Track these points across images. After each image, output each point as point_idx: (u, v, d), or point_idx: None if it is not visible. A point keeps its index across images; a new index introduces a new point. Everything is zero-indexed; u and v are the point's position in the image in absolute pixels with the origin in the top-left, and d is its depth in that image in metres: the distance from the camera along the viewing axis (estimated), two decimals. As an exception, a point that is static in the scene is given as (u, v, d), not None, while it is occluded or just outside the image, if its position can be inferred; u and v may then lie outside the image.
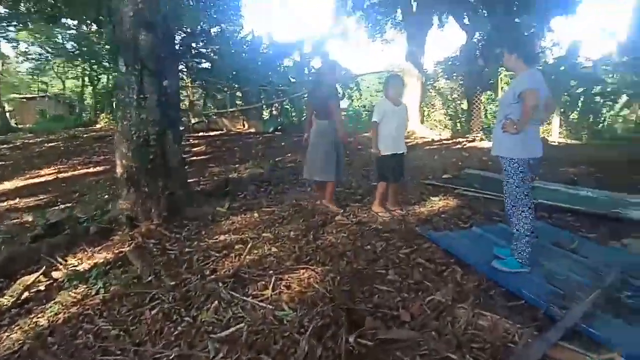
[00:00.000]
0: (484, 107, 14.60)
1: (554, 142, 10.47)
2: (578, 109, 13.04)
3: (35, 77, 30.52)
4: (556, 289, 2.57)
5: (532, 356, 1.97)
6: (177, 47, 14.36)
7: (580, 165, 6.63)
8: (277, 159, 8.56)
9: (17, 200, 5.99)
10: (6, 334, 2.61)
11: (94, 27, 16.59)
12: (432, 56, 39.82)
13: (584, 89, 12.86)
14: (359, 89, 19.15)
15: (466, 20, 14.84)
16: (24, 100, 28.19)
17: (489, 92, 14.79)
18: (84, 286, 3.18)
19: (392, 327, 2.31)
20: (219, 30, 18.75)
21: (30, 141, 13.95)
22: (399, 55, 15.34)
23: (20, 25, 17.70)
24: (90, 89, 25.39)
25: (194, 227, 4.18)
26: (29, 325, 2.68)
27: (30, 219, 4.82)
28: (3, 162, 9.85)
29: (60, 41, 22.79)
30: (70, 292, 3.04)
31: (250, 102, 18.70)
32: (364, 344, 2.15)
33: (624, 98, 12.88)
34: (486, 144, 9.84)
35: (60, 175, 7.99)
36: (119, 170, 4.49)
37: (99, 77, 24.34)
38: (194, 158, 9.39)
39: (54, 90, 31.26)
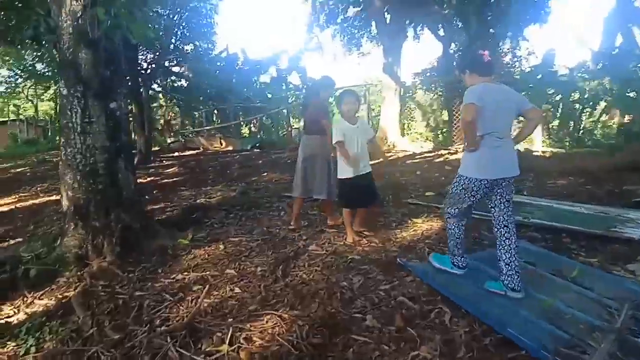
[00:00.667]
0: (464, 118, 14.39)
1: (537, 151, 10.26)
2: (558, 116, 12.99)
3: (6, 100, 29.61)
4: (561, 333, 2.19)
5: None
6: (147, 65, 13.95)
7: (569, 176, 6.36)
8: (252, 179, 8.15)
9: (-39, 236, 5.43)
10: None
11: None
12: (410, 68, 40.03)
13: (562, 96, 12.82)
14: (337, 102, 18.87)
15: (441, 32, 14.77)
16: (-5, 125, 27.23)
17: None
18: (13, 344, 2.69)
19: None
20: (192, 48, 18.35)
21: (-5, 167, 13.27)
22: (377, 68, 15.19)
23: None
24: (62, 111, 24.56)
25: (150, 265, 3.71)
26: None
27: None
28: (-42, 193, 9.19)
29: (30, 62, 22.09)
30: (-9, 354, 2.55)
31: (227, 119, 18.31)
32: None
33: (602, 104, 12.89)
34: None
35: (19, 205, 7.40)
36: (64, 203, 4.01)
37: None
38: (166, 181, 8.91)
39: (27, 113, 30.34)
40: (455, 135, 12.66)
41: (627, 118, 11.63)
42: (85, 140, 3.95)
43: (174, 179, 9.00)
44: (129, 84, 12.73)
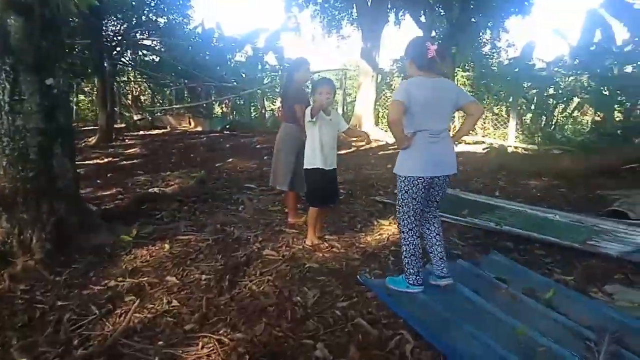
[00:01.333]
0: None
1: (511, 146, 10.12)
2: (532, 110, 12.91)
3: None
4: (536, 374, 1.92)
5: None
6: (113, 36, 13.12)
7: (542, 177, 6.17)
8: (216, 165, 7.70)
9: None
10: None
11: None
12: (390, 54, 39.58)
13: (537, 90, 12.74)
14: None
15: (423, 18, 14.41)
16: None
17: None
18: None
19: None
20: (166, 21, 17.46)
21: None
22: (356, 52, 14.72)
23: None
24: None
25: (82, 266, 3.29)
26: None
27: None
28: None
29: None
30: None
31: (199, 98, 17.60)
32: None
33: (576, 100, 12.87)
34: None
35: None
36: (-13, 192, 3.51)
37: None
38: (124, 162, 8.35)
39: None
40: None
41: (598, 116, 11.61)
42: (14, 120, 3.44)
43: (134, 161, 8.45)
44: (92, 56, 11.99)
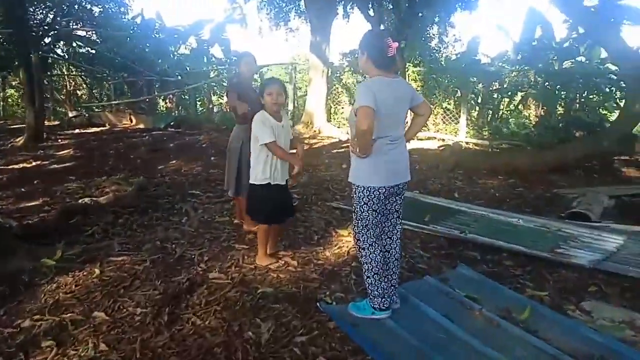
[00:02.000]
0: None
1: (462, 141, 10.17)
2: (479, 105, 13.16)
3: None
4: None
5: None
6: (39, 26, 12.00)
7: (498, 175, 6.12)
8: (158, 167, 7.12)
9: None
10: None
11: None
12: (340, 48, 39.48)
13: (484, 85, 13.00)
14: (263, 80, 17.89)
15: (371, 12, 14.26)
16: None
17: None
18: None
19: None
20: (101, 10, 16.33)
21: None
22: (306, 45, 14.34)
23: None
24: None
25: (-9, 301, 2.76)
26: None
27: None
28: None
29: None
30: None
31: (140, 93, 16.60)
32: None
33: (519, 95, 13.26)
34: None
35: None
36: None
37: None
38: (55, 166, 7.57)
39: None
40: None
41: (543, 110, 11.99)
42: None
43: (65, 164, 7.67)
44: (15, 47, 10.89)
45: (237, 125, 3.89)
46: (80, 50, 17.06)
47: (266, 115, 3.05)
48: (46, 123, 13.60)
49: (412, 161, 2.61)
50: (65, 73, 18.09)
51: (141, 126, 13.66)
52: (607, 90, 10.02)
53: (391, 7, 14.77)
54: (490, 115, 13.30)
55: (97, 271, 3.14)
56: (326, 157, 7.74)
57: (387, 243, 2.55)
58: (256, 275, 3.04)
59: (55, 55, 16.01)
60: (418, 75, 12.14)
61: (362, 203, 2.44)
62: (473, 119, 12.67)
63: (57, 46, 16.37)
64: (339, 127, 11.98)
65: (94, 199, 4.83)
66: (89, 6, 15.91)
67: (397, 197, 2.51)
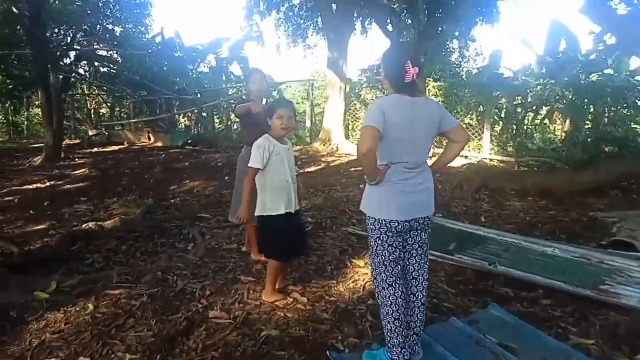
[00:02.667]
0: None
1: (486, 158, 9.76)
2: (502, 119, 12.75)
3: None
4: None
5: None
6: (59, 46, 12.15)
7: (527, 196, 5.70)
8: (171, 188, 6.94)
9: None
10: None
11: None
12: (358, 63, 39.43)
13: (507, 99, 12.60)
14: (282, 97, 17.84)
15: (390, 27, 14.07)
16: None
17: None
18: None
19: None
20: (122, 30, 16.63)
21: None
22: (324, 61, 14.17)
23: None
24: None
25: (-27, 341, 2.53)
26: None
27: None
28: None
29: None
30: None
31: (160, 111, 16.72)
32: None
33: (545, 109, 12.79)
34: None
35: None
36: None
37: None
38: (68, 187, 7.47)
39: None
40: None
41: (567, 125, 11.50)
42: None
43: (79, 185, 7.57)
44: (35, 68, 11.01)
45: (245, 147, 3.65)
46: (102, 70, 17.34)
47: (270, 139, 2.79)
48: (67, 142, 13.83)
49: (434, 180, 2.26)
50: (87, 92, 18.38)
51: (159, 144, 13.67)
52: (638, 103, 9.55)
53: (410, 21, 14.56)
54: (514, 130, 12.88)
55: (90, 306, 2.89)
56: (343, 176, 7.44)
57: (411, 284, 2.21)
58: (261, 313, 2.74)
59: (77, 75, 16.27)
60: (439, 90, 11.81)
61: (375, 237, 2.15)
62: (496, 133, 12.27)
63: (79, 65, 16.67)
64: (357, 145, 11.69)
65: (99, 223, 4.64)
66: (110, 26, 16.17)
67: (419, 232, 2.20)
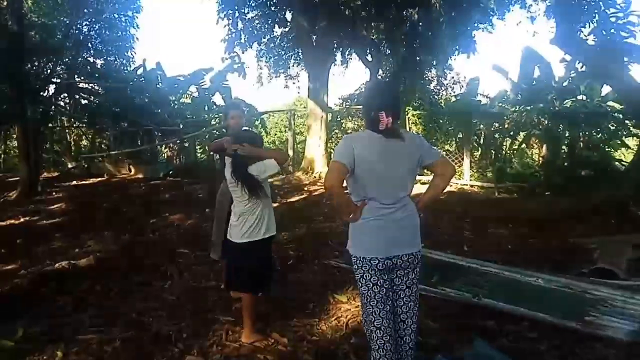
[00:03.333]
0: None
1: (466, 184, 9.85)
2: (481, 146, 12.97)
3: None
4: None
5: None
6: (36, 79, 12.03)
7: (509, 223, 5.73)
8: (151, 221, 6.80)
9: None
10: None
11: None
12: (338, 92, 40.04)
13: (485, 126, 12.84)
14: (265, 126, 17.93)
15: (369, 57, 14.38)
16: None
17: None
18: None
19: None
20: (104, 63, 16.65)
21: None
22: (305, 91, 14.32)
23: None
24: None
25: None
26: None
27: None
28: None
29: None
30: None
31: (138, 143, 16.57)
32: None
33: (522, 134, 13.07)
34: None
35: None
36: None
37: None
38: (43, 222, 7.27)
39: None
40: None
41: (545, 150, 11.73)
42: None
43: (55, 220, 7.36)
44: (10, 101, 10.86)
45: (224, 181, 3.59)
46: (83, 102, 17.21)
47: None
48: (45, 175, 13.52)
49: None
50: (67, 125, 18.17)
51: (140, 175, 13.47)
52: (612, 128, 9.83)
53: (389, 52, 14.90)
54: (493, 156, 13.09)
55: (59, 354, 2.75)
56: (326, 206, 7.40)
57: (399, 327, 2.14)
58: (240, 356, 2.64)
59: (57, 107, 16.11)
60: (418, 118, 12.01)
61: (359, 276, 2.11)
62: (476, 159, 12.45)
63: (60, 98, 16.51)
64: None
65: (73, 262, 4.48)
66: (91, 59, 16.15)
67: (407, 272, 2.14)
